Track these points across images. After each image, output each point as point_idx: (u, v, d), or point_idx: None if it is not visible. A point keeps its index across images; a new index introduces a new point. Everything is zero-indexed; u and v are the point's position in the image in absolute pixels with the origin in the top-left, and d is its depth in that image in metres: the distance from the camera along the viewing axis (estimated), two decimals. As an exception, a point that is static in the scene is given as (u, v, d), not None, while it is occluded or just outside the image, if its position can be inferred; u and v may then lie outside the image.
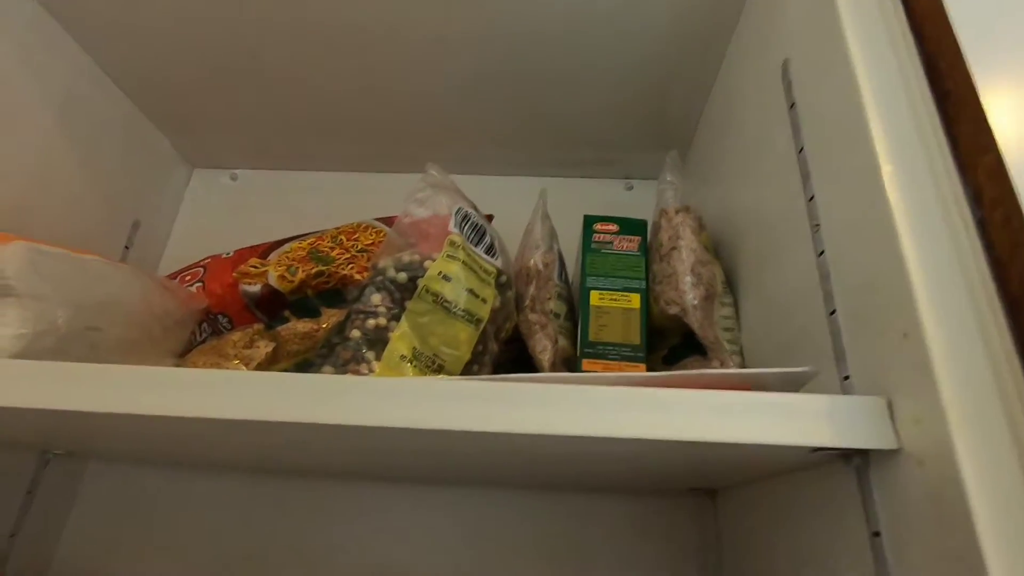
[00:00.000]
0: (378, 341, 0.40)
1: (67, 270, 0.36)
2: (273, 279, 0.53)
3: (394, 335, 0.40)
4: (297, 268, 0.53)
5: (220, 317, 0.53)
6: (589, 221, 0.56)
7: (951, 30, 0.28)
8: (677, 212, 0.49)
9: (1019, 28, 0.28)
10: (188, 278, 0.53)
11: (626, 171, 0.74)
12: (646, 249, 0.54)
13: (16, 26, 0.51)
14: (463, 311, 0.43)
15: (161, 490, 0.61)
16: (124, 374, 0.28)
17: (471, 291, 0.44)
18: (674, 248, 0.48)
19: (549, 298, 0.51)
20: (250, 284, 0.52)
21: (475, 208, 0.50)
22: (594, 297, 0.52)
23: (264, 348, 0.49)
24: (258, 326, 0.51)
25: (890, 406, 0.27)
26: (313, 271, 0.53)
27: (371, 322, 0.40)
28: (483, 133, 0.68)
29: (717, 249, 0.52)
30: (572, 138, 0.69)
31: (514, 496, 0.59)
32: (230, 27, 0.55)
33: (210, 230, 0.72)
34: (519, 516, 0.58)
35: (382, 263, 0.43)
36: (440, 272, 0.43)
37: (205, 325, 0.53)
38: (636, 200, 0.73)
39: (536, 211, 0.56)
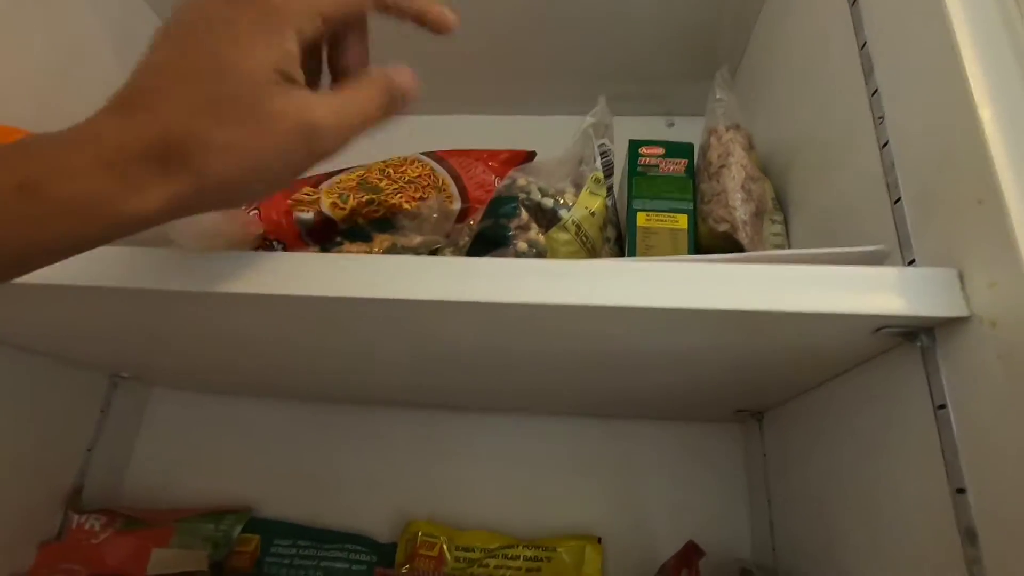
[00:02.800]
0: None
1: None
2: (326, 206, 0.54)
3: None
4: (348, 196, 0.54)
5: (275, 243, 0.55)
6: (634, 145, 0.56)
7: None
8: (728, 130, 0.49)
9: None
10: (244, 206, 0.55)
11: (668, 107, 0.73)
12: (693, 171, 0.53)
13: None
14: (591, 247, 0.43)
15: (217, 415, 0.64)
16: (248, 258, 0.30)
17: (601, 229, 0.45)
18: (724, 166, 0.48)
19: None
20: (304, 211, 0.54)
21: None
22: (641, 218, 0.52)
23: (320, 270, 0.51)
24: (313, 249, 0.53)
25: (960, 276, 0.26)
26: (364, 199, 0.54)
27: (531, 234, 0.40)
28: (527, 71, 0.68)
29: (766, 170, 0.51)
30: (618, 72, 0.68)
31: (567, 423, 0.60)
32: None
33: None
34: (573, 442, 0.60)
35: (522, 180, 0.43)
36: (587, 208, 0.43)
37: (261, 251, 0.55)
38: (678, 137, 0.72)
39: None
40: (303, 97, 0.22)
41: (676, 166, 0.54)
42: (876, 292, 0.27)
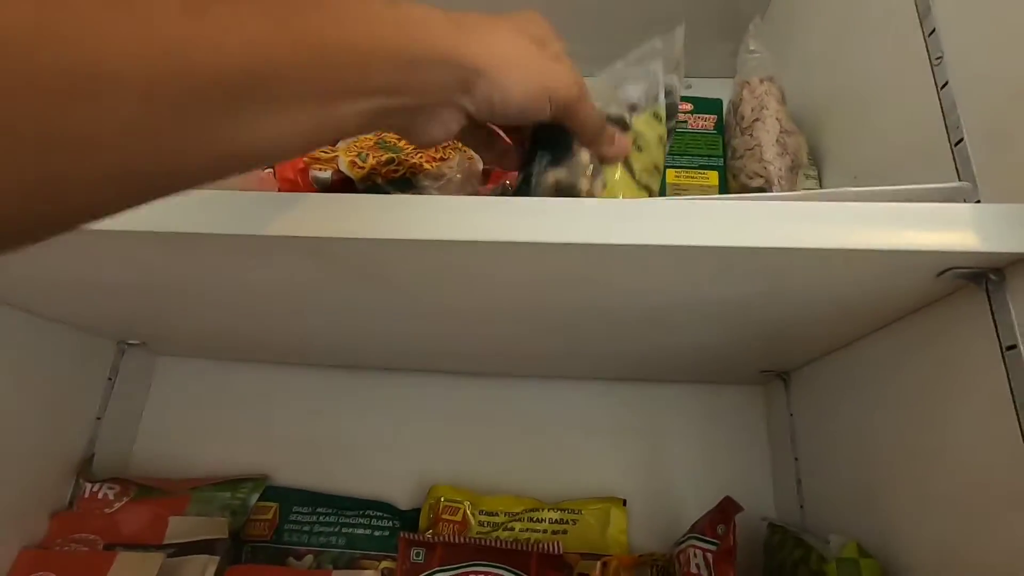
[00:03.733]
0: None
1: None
2: (344, 164, 0.52)
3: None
4: (367, 154, 0.52)
5: (290, 203, 0.53)
6: (662, 101, 0.54)
7: None
8: (762, 82, 0.47)
9: None
10: (259, 162, 0.53)
11: (686, 68, 0.72)
12: (723, 128, 0.52)
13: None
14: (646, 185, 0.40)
15: (228, 383, 0.62)
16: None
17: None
18: (758, 119, 0.47)
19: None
20: (321, 170, 0.52)
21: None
22: (670, 175, 0.51)
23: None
24: (332, 208, 0.51)
25: (1036, 214, 0.26)
26: (384, 158, 0.52)
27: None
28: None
29: (798, 124, 0.50)
30: (634, 31, 0.66)
31: (589, 387, 0.60)
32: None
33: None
34: (596, 406, 0.59)
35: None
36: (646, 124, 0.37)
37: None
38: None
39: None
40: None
41: (705, 122, 0.53)
42: (949, 229, 0.26)
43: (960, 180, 0.30)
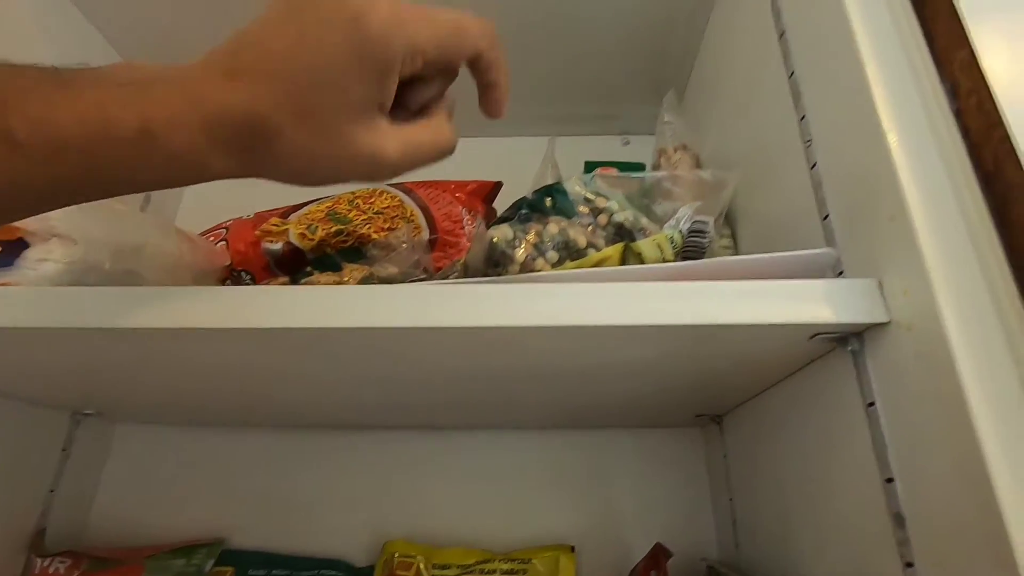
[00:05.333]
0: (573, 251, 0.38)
1: (106, 216, 0.38)
2: (294, 237, 0.55)
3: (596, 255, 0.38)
4: (317, 227, 0.55)
5: (243, 273, 0.55)
6: (590, 167, 0.59)
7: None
8: (676, 150, 0.52)
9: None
10: (212, 238, 0.55)
11: (623, 126, 0.77)
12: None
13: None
14: None
15: (185, 448, 0.63)
16: (191, 292, 0.31)
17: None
18: (674, 184, 0.51)
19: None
20: (272, 242, 0.55)
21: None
22: (600, 236, 0.54)
23: (287, 297, 0.51)
24: (283, 279, 0.53)
25: (880, 285, 0.29)
26: (332, 230, 0.55)
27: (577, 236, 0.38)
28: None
29: (714, 186, 0.54)
30: (573, 92, 0.71)
31: (537, 436, 0.62)
32: None
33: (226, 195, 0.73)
34: (543, 454, 0.61)
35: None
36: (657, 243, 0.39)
37: (228, 282, 0.55)
38: (633, 154, 0.75)
39: (545, 160, 0.58)
40: (381, 129, 0.25)
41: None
42: (808, 303, 0.29)
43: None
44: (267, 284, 0.54)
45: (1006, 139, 0.25)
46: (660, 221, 0.40)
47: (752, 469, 0.49)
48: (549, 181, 0.55)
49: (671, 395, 0.50)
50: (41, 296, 0.31)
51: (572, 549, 0.55)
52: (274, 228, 0.55)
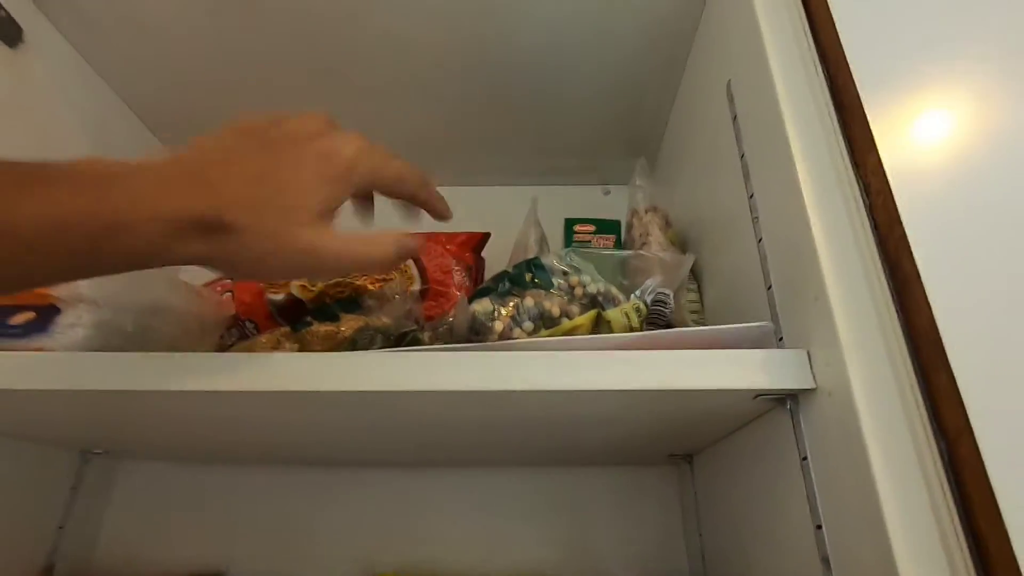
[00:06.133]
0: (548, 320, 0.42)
1: (124, 277, 0.42)
2: (295, 288, 0.59)
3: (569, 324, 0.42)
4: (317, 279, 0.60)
5: (247, 323, 0.59)
6: (569, 224, 0.63)
7: (846, 59, 0.36)
8: (646, 212, 0.57)
9: (896, 60, 0.35)
10: (219, 288, 0.59)
11: (604, 178, 0.82)
12: (621, 244, 0.61)
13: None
14: None
15: (187, 483, 0.67)
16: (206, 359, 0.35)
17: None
18: (644, 244, 0.56)
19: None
20: (275, 293, 0.59)
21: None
22: (578, 289, 0.59)
23: (290, 348, 0.55)
24: (284, 329, 0.57)
25: (809, 355, 0.34)
26: (331, 281, 0.59)
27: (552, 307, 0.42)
28: (469, 146, 0.76)
29: (684, 242, 0.59)
30: (556, 148, 0.76)
31: (521, 473, 0.66)
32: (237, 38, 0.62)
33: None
34: (527, 490, 0.65)
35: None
36: (625, 312, 0.43)
37: (234, 330, 0.59)
38: (613, 204, 0.81)
39: (528, 219, 0.63)
40: (327, 232, 0.30)
41: (606, 241, 0.62)
42: (749, 370, 0.34)
43: (772, 317, 0.39)
44: (269, 333, 0.58)
45: (904, 236, 0.30)
46: (628, 291, 0.45)
47: (717, 507, 0.53)
48: (532, 239, 0.60)
49: (641, 439, 0.54)
50: (72, 360, 0.36)
51: (552, 582, 0.59)
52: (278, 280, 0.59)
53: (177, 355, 0.35)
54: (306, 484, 0.66)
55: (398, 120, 0.71)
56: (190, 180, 0.27)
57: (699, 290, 0.56)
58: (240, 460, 0.67)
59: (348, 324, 0.56)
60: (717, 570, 0.53)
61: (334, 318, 0.57)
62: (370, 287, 0.60)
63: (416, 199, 0.35)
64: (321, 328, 0.56)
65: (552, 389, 0.34)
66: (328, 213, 0.30)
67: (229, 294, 0.59)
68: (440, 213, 0.36)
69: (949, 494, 0.26)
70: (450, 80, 0.65)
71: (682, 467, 0.63)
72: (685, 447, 0.58)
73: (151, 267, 0.28)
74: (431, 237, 0.64)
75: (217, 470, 0.67)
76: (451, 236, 0.65)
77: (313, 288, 0.58)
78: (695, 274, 0.57)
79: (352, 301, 0.59)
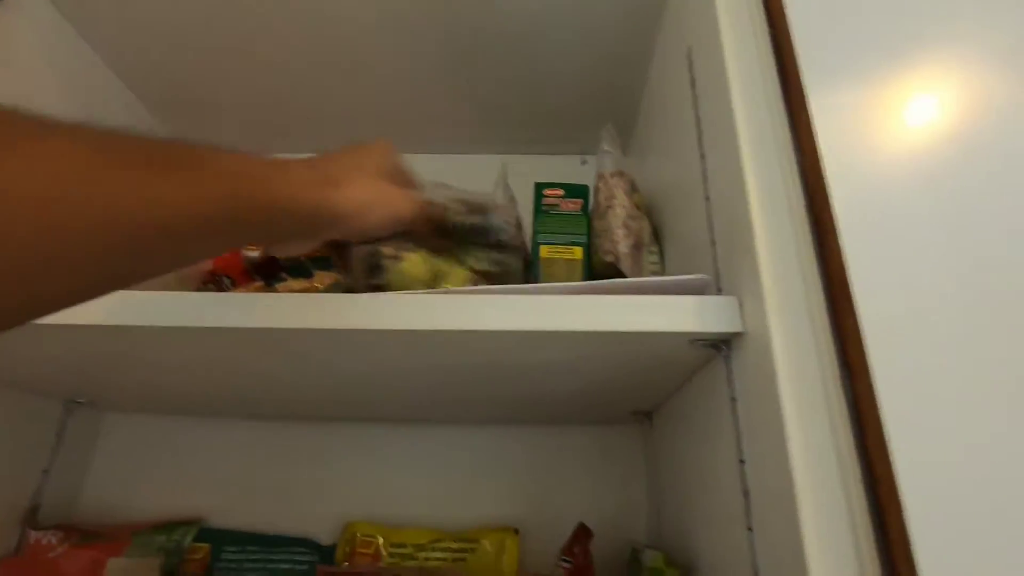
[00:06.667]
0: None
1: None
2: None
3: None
4: (289, 234, 0.61)
5: (224, 278, 0.61)
6: (539, 187, 0.65)
7: (789, 29, 0.37)
8: (612, 176, 0.58)
9: (839, 37, 0.37)
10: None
11: (582, 147, 0.83)
12: (587, 209, 0.63)
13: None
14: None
15: (169, 435, 0.69)
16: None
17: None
18: (609, 207, 0.57)
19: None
20: (251, 250, 0.61)
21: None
22: (543, 251, 0.61)
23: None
24: (258, 284, 0.59)
25: (740, 304, 0.36)
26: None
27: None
28: (451, 114, 0.77)
29: (651, 208, 0.61)
30: (536, 116, 0.78)
31: (489, 430, 0.68)
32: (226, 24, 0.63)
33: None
34: (494, 447, 0.68)
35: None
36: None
37: (210, 284, 0.61)
38: (590, 173, 0.82)
39: (498, 183, 0.64)
40: (383, 183, 0.39)
41: (574, 205, 0.63)
42: (682, 314, 0.36)
43: (715, 272, 0.41)
44: (245, 288, 0.60)
45: (826, 196, 0.32)
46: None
47: (672, 460, 0.56)
48: (501, 202, 0.61)
49: (603, 395, 0.56)
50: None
51: (516, 532, 0.62)
52: (253, 238, 0.61)
53: (157, 293, 0.37)
54: (283, 438, 0.69)
55: (374, 88, 0.72)
56: (326, 179, 0.34)
57: (660, 252, 0.58)
58: (220, 414, 0.70)
59: (321, 280, 0.58)
60: (670, 523, 0.56)
61: (307, 274, 0.59)
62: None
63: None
64: (294, 284, 0.58)
65: (500, 329, 0.36)
66: (384, 176, 0.39)
67: (207, 250, 0.61)
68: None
69: (848, 427, 0.29)
70: (425, 48, 0.66)
71: (644, 425, 0.65)
72: (645, 403, 0.60)
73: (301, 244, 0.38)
74: None
75: (198, 423, 0.70)
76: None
77: (288, 245, 0.60)
78: (658, 237, 0.59)
79: (325, 259, 0.61)
